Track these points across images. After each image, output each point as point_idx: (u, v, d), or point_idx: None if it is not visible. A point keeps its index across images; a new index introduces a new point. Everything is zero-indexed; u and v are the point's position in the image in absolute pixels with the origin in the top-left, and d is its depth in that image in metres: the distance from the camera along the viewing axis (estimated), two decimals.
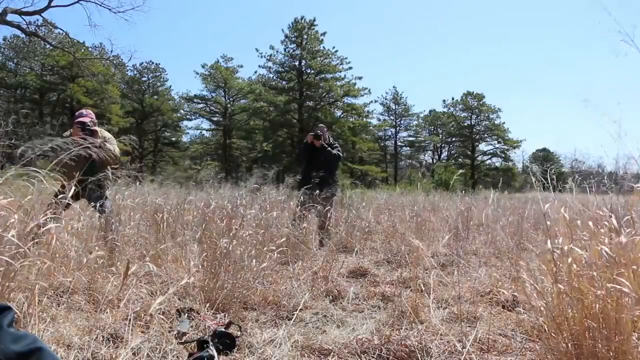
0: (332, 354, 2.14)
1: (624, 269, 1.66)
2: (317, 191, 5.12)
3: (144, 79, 37.89)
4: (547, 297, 1.92)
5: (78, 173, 2.78)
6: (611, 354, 1.65)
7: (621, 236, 1.72)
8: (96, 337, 2.06)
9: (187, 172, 27.57)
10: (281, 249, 3.35)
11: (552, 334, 1.88)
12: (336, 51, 33.87)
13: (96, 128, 3.96)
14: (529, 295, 2.14)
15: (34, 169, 2.14)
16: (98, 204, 3.69)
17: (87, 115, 4.00)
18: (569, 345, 1.78)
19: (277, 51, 34.07)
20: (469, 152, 43.05)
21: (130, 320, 2.16)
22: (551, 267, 1.89)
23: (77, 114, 4.07)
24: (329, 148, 5.67)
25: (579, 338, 1.75)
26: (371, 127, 39.42)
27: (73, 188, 2.53)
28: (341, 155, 5.89)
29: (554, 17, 61.77)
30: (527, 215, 5.75)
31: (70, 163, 2.42)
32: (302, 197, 5.05)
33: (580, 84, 60.39)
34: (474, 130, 42.54)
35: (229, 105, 38.04)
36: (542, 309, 1.95)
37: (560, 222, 2.00)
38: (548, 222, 2.01)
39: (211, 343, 2.01)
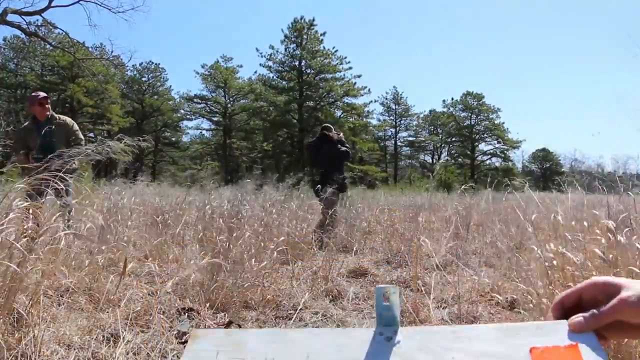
0: None
1: (621, 269, 1.66)
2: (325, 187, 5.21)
3: (143, 79, 37.90)
4: (542, 299, 1.92)
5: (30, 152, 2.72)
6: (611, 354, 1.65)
7: (618, 236, 1.71)
8: (96, 337, 2.06)
9: (187, 172, 27.57)
10: (280, 248, 3.35)
11: None
12: (336, 51, 33.93)
13: (48, 106, 4.24)
14: (526, 297, 2.14)
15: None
16: (60, 198, 3.02)
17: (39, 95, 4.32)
18: None
19: (277, 51, 34.13)
20: (468, 152, 43.04)
21: (130, 319, 2.16)
22: (544, 269, 1.89)
23: (29, 96, 4.45)
24: (339, 145, 5.78)
25: None
26: (371, 127, 39.42)
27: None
28: (349, 152, 6.01)
29: (554, 17, 61.83)
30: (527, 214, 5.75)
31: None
32: (320, 194, 5.21)
33: (580, 84, 60.41)
34: (474, 130, 42.54)
35: (229, 105, 38.03)
36: (539, 309, 1.95)
37: (552, 225, 2.00)
38: (530, 229, 2.01)
39: None
